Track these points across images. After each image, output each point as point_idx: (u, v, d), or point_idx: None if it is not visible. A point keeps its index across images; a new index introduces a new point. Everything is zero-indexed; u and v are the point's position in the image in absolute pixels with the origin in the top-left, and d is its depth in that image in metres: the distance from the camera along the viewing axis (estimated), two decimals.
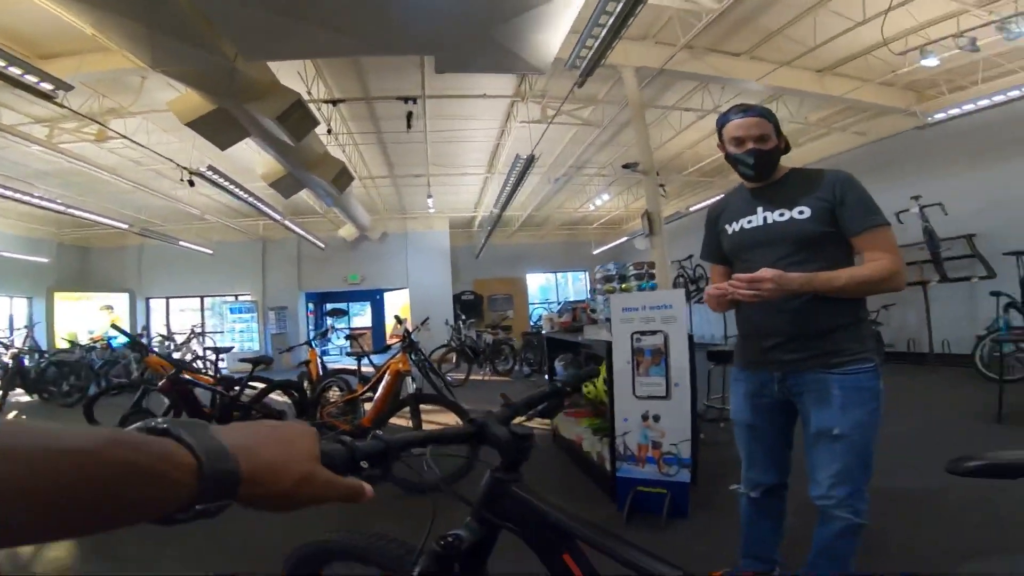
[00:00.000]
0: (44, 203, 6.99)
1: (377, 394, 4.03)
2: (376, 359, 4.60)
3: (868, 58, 6.09)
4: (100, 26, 3.35)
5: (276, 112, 4.27)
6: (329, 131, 6.03)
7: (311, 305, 16.51)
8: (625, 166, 7.13)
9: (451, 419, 3.58)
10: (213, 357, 5.76)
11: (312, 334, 12.06)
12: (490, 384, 8.18)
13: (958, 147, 6.69)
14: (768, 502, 1.89)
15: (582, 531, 0.79)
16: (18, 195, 6.55)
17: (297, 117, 4.44)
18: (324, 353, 13.89)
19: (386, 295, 16.41)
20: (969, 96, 6.14)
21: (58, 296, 11.73)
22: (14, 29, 4.59)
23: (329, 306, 15.39)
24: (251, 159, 6.61)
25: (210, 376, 4.73)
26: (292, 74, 5.05)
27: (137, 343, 5.04)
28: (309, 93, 5.42)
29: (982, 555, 2.03)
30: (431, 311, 11.93)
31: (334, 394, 4.73)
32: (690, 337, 2.78)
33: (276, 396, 4.92)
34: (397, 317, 6.04)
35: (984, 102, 5.78)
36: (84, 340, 9.53)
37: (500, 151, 8.61)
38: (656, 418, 2.74)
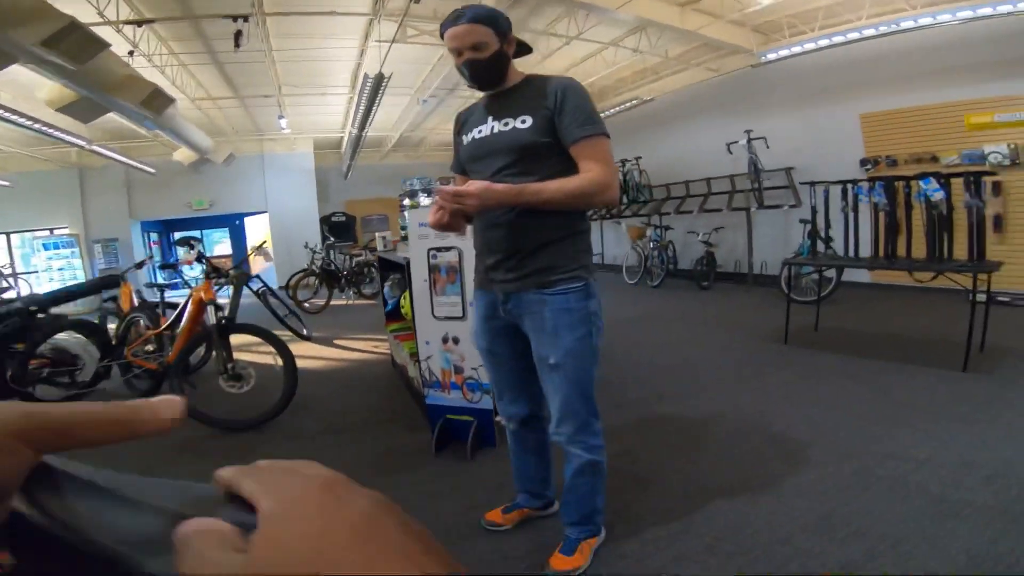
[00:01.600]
0: None
1: (181, 326, 3.74)
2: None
3: None
4: None
5: (42, 37, 3.44)
6: (131, 53, 5.03)
7: (155, 235, 14.59)
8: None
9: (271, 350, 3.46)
10: None
11: (154, 263, 10.84)
12: (352, 309, 8.02)
13: (788, 88, 7.35)
14: (527, 435, 1.84)
15: None
16: None
17: (74, 41, 3.62)
18: (175, 287, 12.52)
19: (247, 220, 15.00)
20: (803, 39, 6.64)
21: None
22: None
23: (177, 235, 13.71)
24: (38, 83, 5.41)
25: None
26: None
27: None
28: (102, 14, 4.48)
29: (748, 490, 2.16)
30: (295, 234, 11.34)
31: (145, 330, 4.28)
32: None
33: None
34: (189, 241, 5.58)
35: (809, 45, 6.35)
36: None
37: (360, 71, 7.87)
38: (456, 340, 2.63)
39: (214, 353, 3.52)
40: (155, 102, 5.43)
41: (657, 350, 4.69)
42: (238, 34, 4.82)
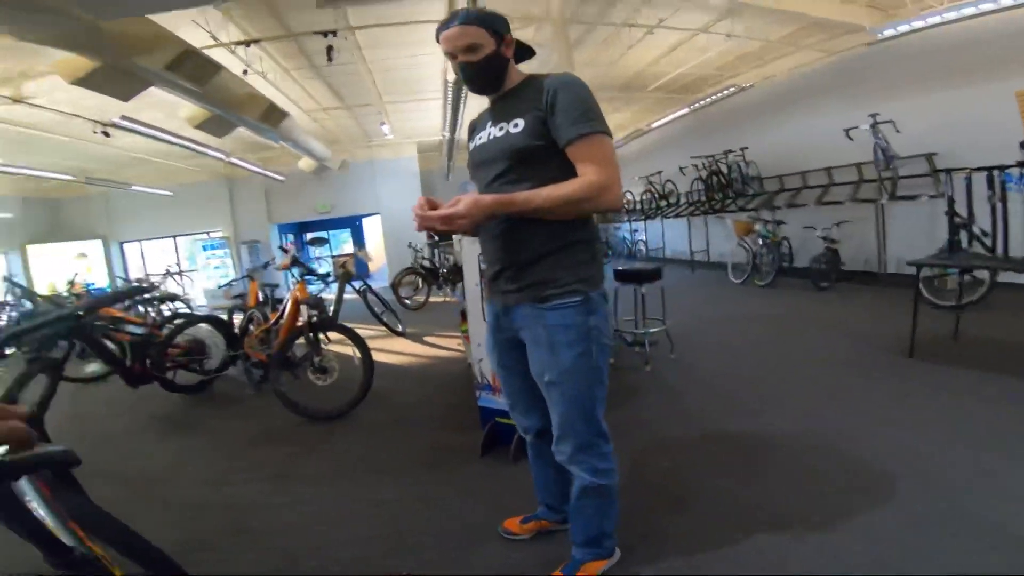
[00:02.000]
0: None
1: (282, 323, 4.19)
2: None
3: None
4: None
5: (165, 62, 4.08)
6: (245, 72, 5.75)
7: (291, 236, 16.46)
8: None
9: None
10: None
11: (280, 261, 12.28)
12: (449, 306, 8.23)
13: (919, 66, 6.28)
14: (544, 448, 1.74)
15: None
16: None
17: (192, 65, 4.24)
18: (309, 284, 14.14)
19: (365, 221, 16.35)
20: (927, 12, 5.64)
21: (31, 248, 11.88)
22: None
23: (309, 235, 15.36)
24: (179, 104, 6.36)
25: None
26: (187, 22, 4.80)
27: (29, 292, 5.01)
28: (215, 38, 5.16)
29: (799, 523, 1.88)
30: (403, 235, 12.09)
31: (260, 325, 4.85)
32: None
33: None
34: (282, 247, 6.22)
35: (935, 19, 5.34)
36: (63, 290, 9.45)
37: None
38: None
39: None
40: (272, 116, 6.16)
41: (744, 356, 4.27)
42: (329, 48, 5.27)
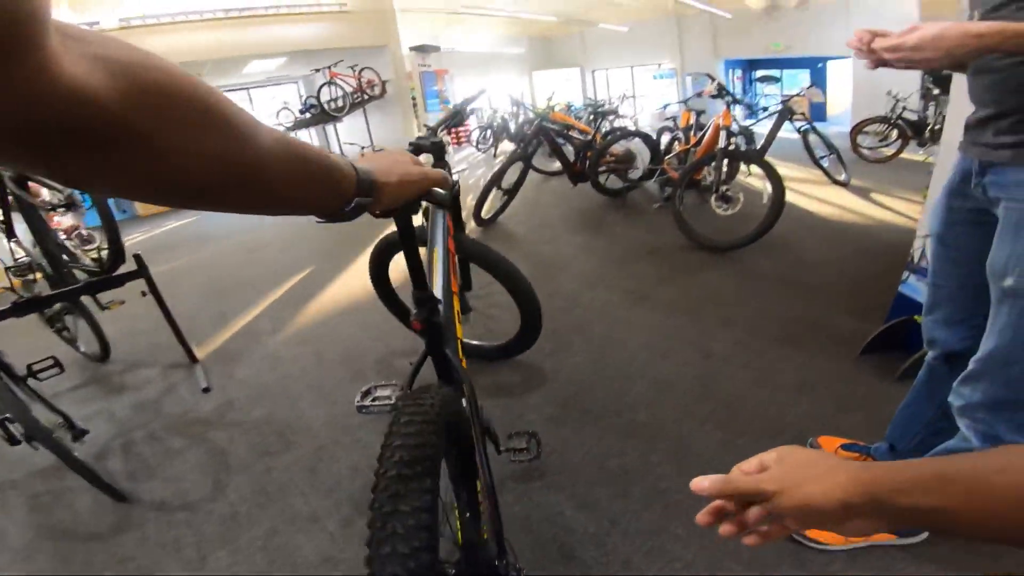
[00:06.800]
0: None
1: (700, 146, 4.41)
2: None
3: None
4: None
5: None
6: None
7: (739, 71, 15.60)
8: None
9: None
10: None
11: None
12: (925, 167, 6.12)
13: None
14: (945, 377, 1.24)
15: None
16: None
17: None
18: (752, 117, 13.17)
19: (830, 63, 13.91)
20: None
21: (535, 74, 16.60)
22: None
23: (758, 73, 14.13)
24: None
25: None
26: None
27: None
28: None
29: None
30: (881, 82, 9.62)
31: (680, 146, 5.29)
32: None
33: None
34: (709, 75, 5.87)
35: None
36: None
37: None
38: None
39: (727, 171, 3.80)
40: None
41: None
42: None
